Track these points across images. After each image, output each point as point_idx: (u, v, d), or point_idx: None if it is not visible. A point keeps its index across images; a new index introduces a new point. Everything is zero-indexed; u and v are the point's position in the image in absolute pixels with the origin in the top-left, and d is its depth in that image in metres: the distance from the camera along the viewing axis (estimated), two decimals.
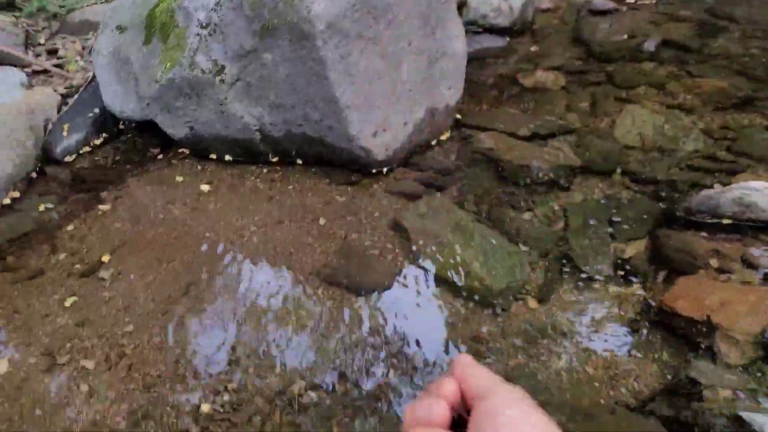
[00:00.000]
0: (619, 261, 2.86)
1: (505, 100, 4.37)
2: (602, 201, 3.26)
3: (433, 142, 3.88)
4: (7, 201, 3.62)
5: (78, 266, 3.05)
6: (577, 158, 3.60)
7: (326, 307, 2.69)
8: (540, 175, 3.49)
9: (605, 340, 2.46)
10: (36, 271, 3.03)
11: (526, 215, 3.22)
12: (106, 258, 3.09)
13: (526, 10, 5.48)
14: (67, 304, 2.80)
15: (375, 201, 3.39)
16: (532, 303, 2.69)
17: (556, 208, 3.26)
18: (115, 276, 2.96)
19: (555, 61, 4.91)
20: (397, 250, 3.01)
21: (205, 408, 2.24)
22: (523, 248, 3.00)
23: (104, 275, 2.96)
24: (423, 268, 2.89)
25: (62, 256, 3.13)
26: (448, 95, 3.85)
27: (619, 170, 3.48)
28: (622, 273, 2.79)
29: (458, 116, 4.10)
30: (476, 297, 2.71)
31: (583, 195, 3.33)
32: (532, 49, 5.22)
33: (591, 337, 2.49)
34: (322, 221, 3.24)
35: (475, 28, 5.30)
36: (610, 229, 3.06)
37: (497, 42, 5.34)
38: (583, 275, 2.81)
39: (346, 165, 3.64)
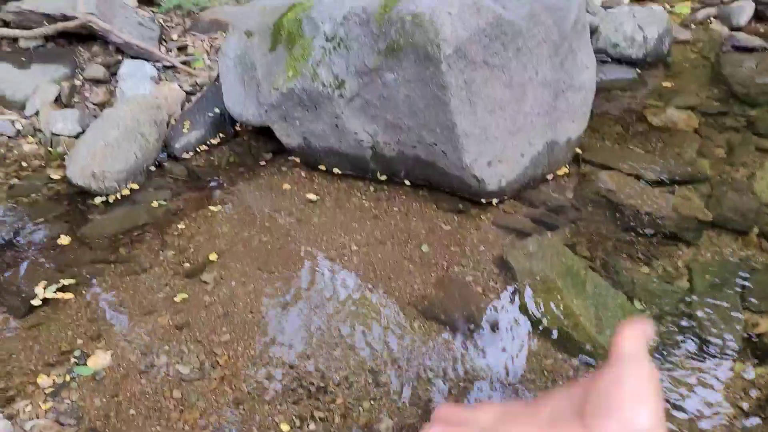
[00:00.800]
0: (749, 335, 2.58)
1: (630, 138, 4.10)
2: (734, 263, 2.96)
3: (549, 177, 3.69)
4: (126, 192, 3.78)
5: (185, 265, 3.12)
6: (708, 211, 3.30)
7: (421, 341, 2.59)
8: (664, 225, 3.23)
9: (719, 424, 2.21)
10: (144, 266, 3.12)
11: (645, 269, 2.98)
12: (212, 258, 3.14)
13: (661, 41, 5.14)
14: (172, 302, 2.86)
15: (481, 233, 3.26)
16: None
17: (680, 264, 2.99)
18: (218, 280, 2.99)
19: (689, 99, 4.56)
20: (500, 289, 2.87)
21: None
22: (639, 305, 2.77)
23: (207, 278, 3.00)
24: (527, 313, 2.73)
25: (170, 253, 3.22)
26: (570, 129, 3.65)
27: (756, 230, 3.16)
28: (751, 350, 2.51)
29: (578, 151, 3.88)
30: (582, 354, 2.52)
31: (712, 254, 3.04)
32: (665, 84, 4.88)
33: (704, 417, 2.24)
34: (425, 248, 3.15)
35: (603, 57, 5.04)
36: (741, 297, 2.77)
37: (626, 73, 5.05)
38: (705, 345, 2.55)
39: (455, 192, 3.52)
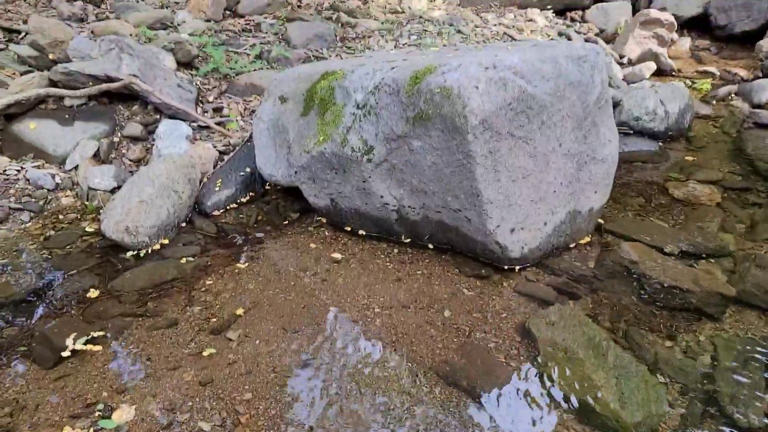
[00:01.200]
0: None
1: (652, 210, 4.15)
2: (760, 341, 2.94)
3: (572, 246, 3.73)
4: (156, 247, 3.89)
5: (211, 321, 3.18)
6: (731, 287, 3.30)
7: (441, 408, 2.59)
8: (686, 299, 3.23)
9: None
10: (171, 321, 3.19)
11: (668, 342, 2.97)
12: (238, 314, 3.20)
13: (683, 115, 5.25)
14: (196, 358, 2.90)
15: (504, 300, 3.28)
16: None
17: (702, 339, 2.98)
18: (242, 338, 3.04)
19: (711, 174, 4.62)
20: (522, 358, 2.87)
21: None
22: (662, 379, 2.75)
23: (232, 336, 3.06)
24: (549, 382, 2.72)
25: (197, 309, 3.29)
26: (593, 200, 3.71)
27: None
28: None
29: (601, 221, 3.93)
30: (604, 427, 2.49)
31: (735, 330, 3.03)
32: (687, 157, 4.95)
33: None
34: (447, 313, 3.18)
35: (625, 129, 5.14)
36: (765, 376, 2.74)
37: (648, 146, 5.14)
38: (730, 422, 2.51)
39: (478, 257, 3.58)
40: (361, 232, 3.97)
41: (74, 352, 2.95)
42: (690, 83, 6.42)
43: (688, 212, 4.11)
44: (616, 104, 5.15)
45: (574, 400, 2.63)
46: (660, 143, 5.17)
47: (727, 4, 8.74)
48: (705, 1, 9.06)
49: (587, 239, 3.80)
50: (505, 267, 3.51)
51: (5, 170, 4.43)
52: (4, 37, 5.92)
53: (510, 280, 3.44)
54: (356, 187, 3.75)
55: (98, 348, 2.98)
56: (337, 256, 3.74)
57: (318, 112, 3.89)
